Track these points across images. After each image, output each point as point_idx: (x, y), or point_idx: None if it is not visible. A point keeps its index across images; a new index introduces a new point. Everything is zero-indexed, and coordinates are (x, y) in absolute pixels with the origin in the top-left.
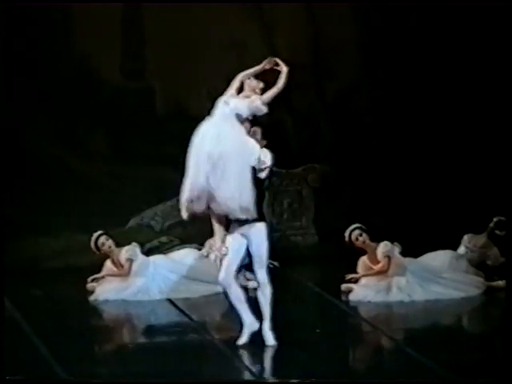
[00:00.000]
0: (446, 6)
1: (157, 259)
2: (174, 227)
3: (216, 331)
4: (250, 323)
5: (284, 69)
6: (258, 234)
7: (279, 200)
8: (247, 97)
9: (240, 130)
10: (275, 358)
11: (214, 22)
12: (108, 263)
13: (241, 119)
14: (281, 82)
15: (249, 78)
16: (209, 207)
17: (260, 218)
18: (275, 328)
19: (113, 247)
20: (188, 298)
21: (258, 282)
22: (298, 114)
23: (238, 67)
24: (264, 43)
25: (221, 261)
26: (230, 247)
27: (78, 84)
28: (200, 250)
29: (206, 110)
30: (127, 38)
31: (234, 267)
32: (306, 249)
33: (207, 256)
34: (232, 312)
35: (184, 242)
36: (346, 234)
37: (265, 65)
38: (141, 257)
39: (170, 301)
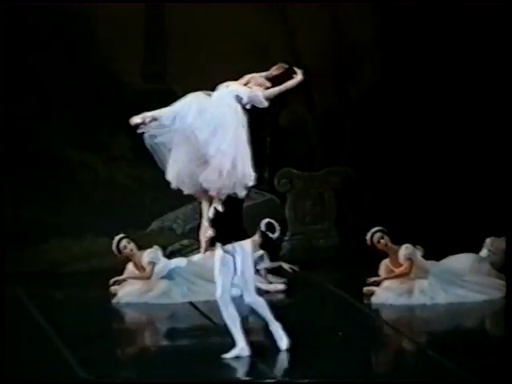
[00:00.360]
0: (466, 7)
1: (178, 262)
2: (195, 230)
3: None
4: (241, 348)
5: (299, 77)
6: (243, 254)
7: (301, 203)
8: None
9: (239, 110)
10: (297, 360)
11: (237, 25)
12: (130, 266)
13: (239, 101)
14: (289, 83)
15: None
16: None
17: (243, 236)
18: (296, 331)
19: (134, 250)
20: (210, 300)
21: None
22: (320, 116)
23: (260, 71)
24: (286, 46)
25: (205, 243)
26: (218, 264)
27: (101, 87)
28: None
29: None
30: (149, 42)
31: (228, 284)
32: (327, 251)
33: None
34: (254, 315)
35: None
36: (368, 237)
37: (273, 71)
38: (163, 260)
39: (192, 304)
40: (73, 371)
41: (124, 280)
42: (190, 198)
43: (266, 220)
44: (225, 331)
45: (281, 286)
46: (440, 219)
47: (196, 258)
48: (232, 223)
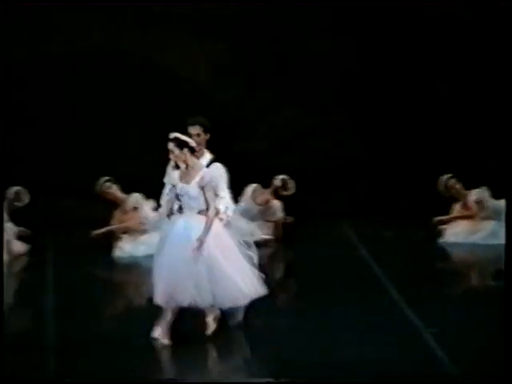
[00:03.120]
0: None
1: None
2: None
3: None
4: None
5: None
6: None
7: None
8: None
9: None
10: None
11: None
12: (457, 207)
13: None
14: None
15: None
16: None
17: None
18: None
19: (461, 190)
20: None
21: None
22: None
23: None
24: None
25: None
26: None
27: None
28: None
29: None
30: None
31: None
32: None
33: None
34: None
35: None
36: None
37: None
38: (490, 200)
39: None
40: (397, 307)
41: (450, 220)
42: None
43: None
44: None
45: None
46: None
47: None
48: None
